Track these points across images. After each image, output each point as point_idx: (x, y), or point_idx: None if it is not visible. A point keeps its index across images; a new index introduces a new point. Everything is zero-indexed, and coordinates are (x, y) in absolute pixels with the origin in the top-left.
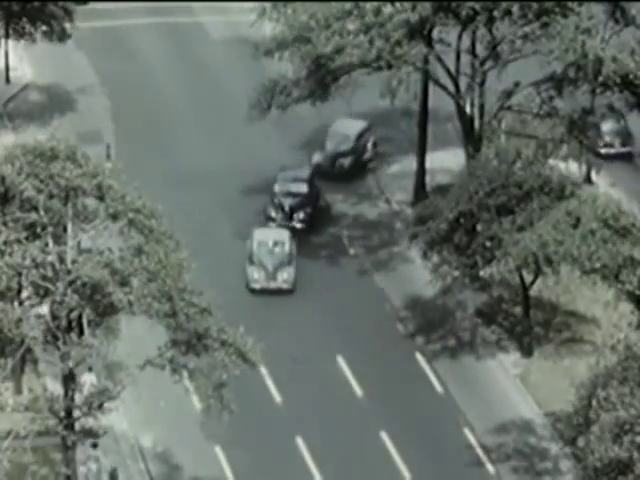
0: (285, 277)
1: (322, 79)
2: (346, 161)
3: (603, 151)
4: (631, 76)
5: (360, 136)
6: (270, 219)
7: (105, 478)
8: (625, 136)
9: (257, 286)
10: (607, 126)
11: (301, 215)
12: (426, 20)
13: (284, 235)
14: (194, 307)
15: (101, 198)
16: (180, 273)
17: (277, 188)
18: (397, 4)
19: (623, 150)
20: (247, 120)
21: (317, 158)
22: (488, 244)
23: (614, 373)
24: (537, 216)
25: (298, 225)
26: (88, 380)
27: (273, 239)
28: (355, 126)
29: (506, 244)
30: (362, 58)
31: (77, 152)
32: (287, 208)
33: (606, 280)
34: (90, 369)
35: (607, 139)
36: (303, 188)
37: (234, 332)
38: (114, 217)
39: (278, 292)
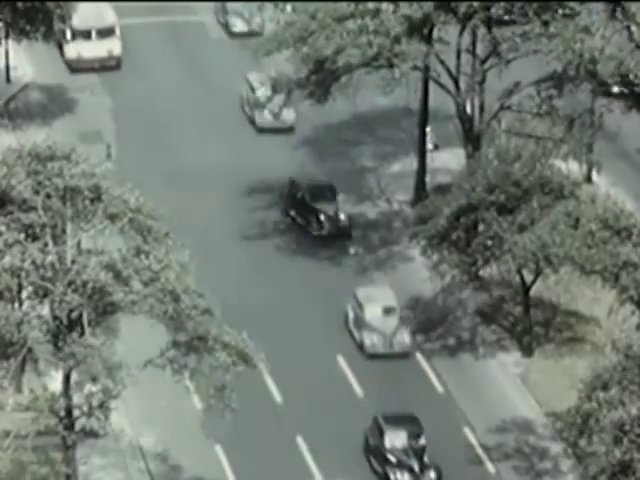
0: None
1: (323, 80)
2: (405, 337)
3: None
4: (631, 76)
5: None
6: None
7: None
8: None
9: None
10: None
11: (432, 475)
12: (427, 17)
13: None
14: (195, 309)
15: (98, 199)
16: (181, 273)
17: (389, 443)
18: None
19: None
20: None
21: (373, 341)
22: (489, 242)
23: (614, 374)
24: (537, 216)
25: None
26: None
27: None
28: (386, 295)
29: (506, 244)
30: (362, 57)
31: (73, 152)
32: (417, 469)
33: (606, 282)
34: (94, 379)
35: None
36: (422, 440)
37: (235, 334)
38: (112, 217)
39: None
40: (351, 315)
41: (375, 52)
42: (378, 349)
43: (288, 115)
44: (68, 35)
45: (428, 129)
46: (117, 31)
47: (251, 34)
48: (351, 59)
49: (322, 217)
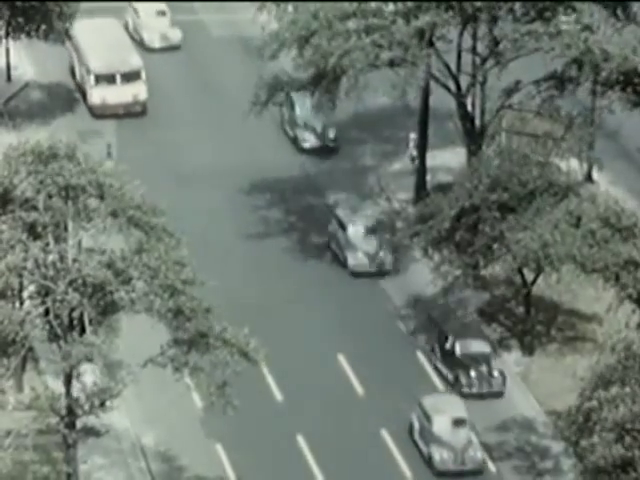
0: None
1: (328, 84)
2: (477, 452)
3: None
4: (636, 80)
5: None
6: None
7: None
8: None
9: None
10: None
11: None
12: (436, 23)
13: None
14: (196, 301)
15: (101, 196)
16: (181, 268)
17: None
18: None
19: None
20: (245, 115)
21: (443, 457)
22: (491, 242)
23: (614, 372)
24: (540, 215)
25: None
26: (89, 370)
27: None
28: (455, 405)
29: (508, 243)
30: (367, 60)
31: (77, 151)
32: None
33: (607, 281)
34: (89, 359)
35: None
36: None
37: (236, 331)
38: (114, 215)
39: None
40: (417, 426)
41: (385, 58)
42: (448, 466)
43: (386, 257)
44: (92, 80)
45: (412, 135)
46: (142, 75)
47: (325, 150)
48: (356, 63)
49: (473, 374)
